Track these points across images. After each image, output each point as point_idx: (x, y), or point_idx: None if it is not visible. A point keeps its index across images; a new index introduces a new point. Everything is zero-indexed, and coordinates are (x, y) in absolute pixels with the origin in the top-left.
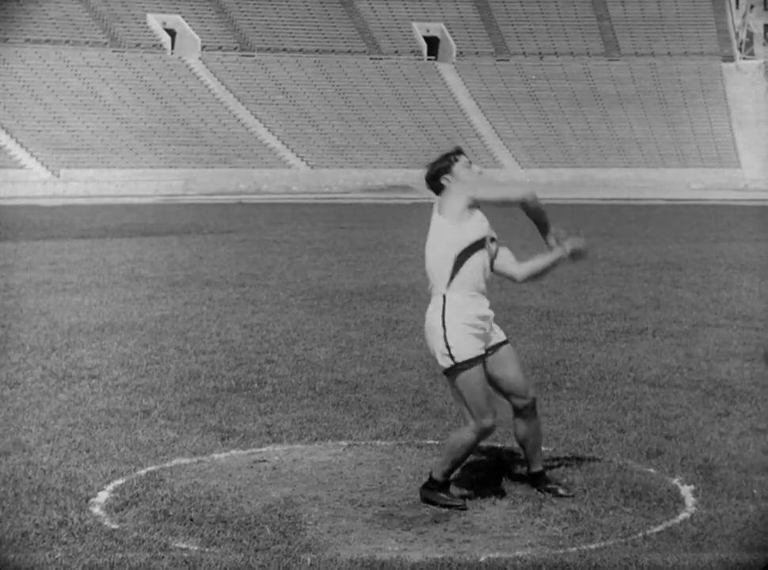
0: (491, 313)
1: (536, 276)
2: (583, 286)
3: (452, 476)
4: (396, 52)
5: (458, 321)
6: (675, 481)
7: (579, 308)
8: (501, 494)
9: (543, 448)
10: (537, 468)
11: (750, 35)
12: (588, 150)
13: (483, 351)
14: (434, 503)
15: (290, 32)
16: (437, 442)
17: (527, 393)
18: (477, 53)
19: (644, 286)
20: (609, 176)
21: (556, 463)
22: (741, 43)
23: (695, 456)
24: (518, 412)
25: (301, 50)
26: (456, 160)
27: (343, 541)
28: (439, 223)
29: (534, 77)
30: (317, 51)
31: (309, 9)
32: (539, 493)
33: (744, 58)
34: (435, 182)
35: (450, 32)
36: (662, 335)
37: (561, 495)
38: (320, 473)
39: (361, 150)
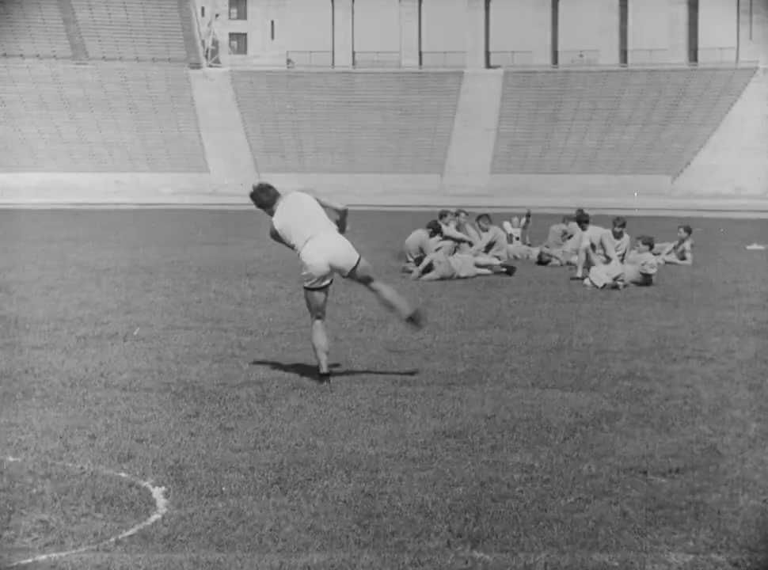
0: None
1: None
2: (54, 292)
3: None
4: None
5: None
6: (147, 484)
7: (49, 314)
8: None
9: (12, 459)
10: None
11: (216, 43)
12: (57, 153)
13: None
14: None
15: None
16: None
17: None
18: None
19: (115, 291)
20: (79, 179)
21: (25, 472)
22: (207, 51)
23: (166, 457)
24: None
25: None
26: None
27: None
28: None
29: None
30: None
31: None
32: None
33: (211, 66)
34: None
35: None
36: (132, 339)
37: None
38: None
39: None
